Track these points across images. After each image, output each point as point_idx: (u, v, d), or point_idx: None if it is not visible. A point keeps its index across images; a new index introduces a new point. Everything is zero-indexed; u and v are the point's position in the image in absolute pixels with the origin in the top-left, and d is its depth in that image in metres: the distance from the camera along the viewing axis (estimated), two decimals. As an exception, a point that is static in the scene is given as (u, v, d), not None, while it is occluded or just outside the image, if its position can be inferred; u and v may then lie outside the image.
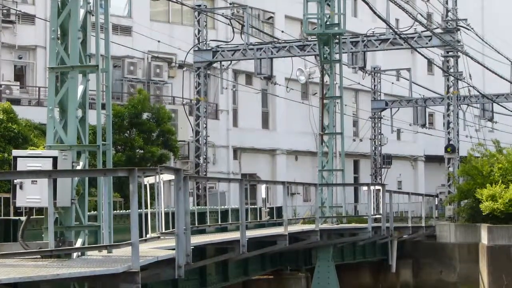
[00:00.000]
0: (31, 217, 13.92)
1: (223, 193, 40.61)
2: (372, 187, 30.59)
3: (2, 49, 40.55)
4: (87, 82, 14.31)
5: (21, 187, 13.09)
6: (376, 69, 53.79)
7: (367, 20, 53.09)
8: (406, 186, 61.67)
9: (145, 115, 35.35)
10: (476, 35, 40.84)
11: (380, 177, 53.27)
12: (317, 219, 25.78)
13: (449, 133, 39.38)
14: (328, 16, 31.73)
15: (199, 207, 30.58)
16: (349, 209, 43.55)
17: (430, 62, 47.81)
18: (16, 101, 37.96)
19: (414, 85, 52.72)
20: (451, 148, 38.93)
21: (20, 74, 42.04)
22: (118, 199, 28.20)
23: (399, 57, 58.16)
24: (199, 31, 40.69)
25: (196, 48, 40.57)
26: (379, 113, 53.92)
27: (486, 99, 51.29)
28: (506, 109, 53.24)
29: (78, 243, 13.65)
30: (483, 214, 33.23)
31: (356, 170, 60.41)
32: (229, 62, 42.35)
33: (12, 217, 16.05)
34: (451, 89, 39.71)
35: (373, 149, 53.95)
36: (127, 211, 18.74)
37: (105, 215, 13.77)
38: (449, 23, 38.89)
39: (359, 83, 49.05)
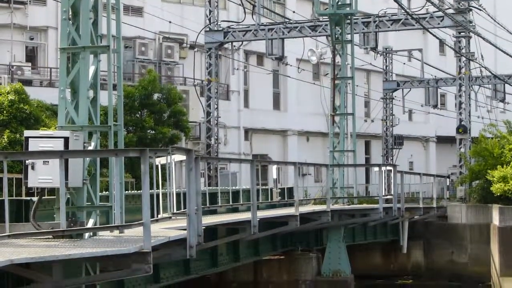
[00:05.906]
0: (43, 197, 13.95)
1: (234, 174, 40.62)
2: (383, 168, 30.54)
3: (14, 30, 40.58)
4: (98, 63, 14.30)
5: (33, 168, 13.11)
6: (387, 49, 53.67)
7: (379, 1, 52.81)
8: (418, 166, 61.52)
9: (155, 96, 35.35)
10: (488, 15, 40.59)
11: (391, 157, 53.21)
12: (328, 200, 25.79)
13: (460, 113, 39.28)
14: (339, -4, 31.60)
15: (210, 187, 30.62)
16: (360, 189, 43.47)
17: (442, 43, 47.60)
18: (28, 82, 38.03)
19: (425, 65, 52.55)
20: (462, 128, 38.83)
21: (31, 55, 42.08)
22: (130, 180, 28.28)
23: (410, 38, 57.92)
24: (210, 11, 40.61)
25: (207, 29, 40.51)
26: (391, 93, 53.82)
27: (498, 80, 51.12)
28: (518, 90, 53.07)
29: (90, 224, 13.68)
30: (494, 195, 33.14)
31: (367, 150, 60.34)
32: (240, 42, 42.29)
33: (24, 198, 16.07)
34: (463, 70, 39.59)
35: (385, 129, 53.87)
36: (139, 191, 18.80)
37: (116, 195, 13.81)
38: (461, 3, 38.70)
39: (370, 63, 48.90)
